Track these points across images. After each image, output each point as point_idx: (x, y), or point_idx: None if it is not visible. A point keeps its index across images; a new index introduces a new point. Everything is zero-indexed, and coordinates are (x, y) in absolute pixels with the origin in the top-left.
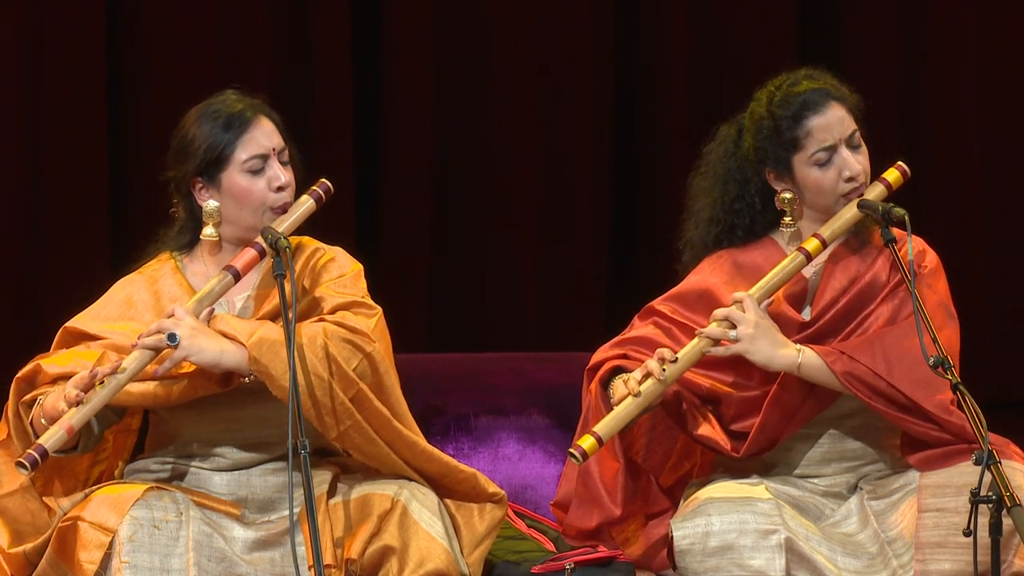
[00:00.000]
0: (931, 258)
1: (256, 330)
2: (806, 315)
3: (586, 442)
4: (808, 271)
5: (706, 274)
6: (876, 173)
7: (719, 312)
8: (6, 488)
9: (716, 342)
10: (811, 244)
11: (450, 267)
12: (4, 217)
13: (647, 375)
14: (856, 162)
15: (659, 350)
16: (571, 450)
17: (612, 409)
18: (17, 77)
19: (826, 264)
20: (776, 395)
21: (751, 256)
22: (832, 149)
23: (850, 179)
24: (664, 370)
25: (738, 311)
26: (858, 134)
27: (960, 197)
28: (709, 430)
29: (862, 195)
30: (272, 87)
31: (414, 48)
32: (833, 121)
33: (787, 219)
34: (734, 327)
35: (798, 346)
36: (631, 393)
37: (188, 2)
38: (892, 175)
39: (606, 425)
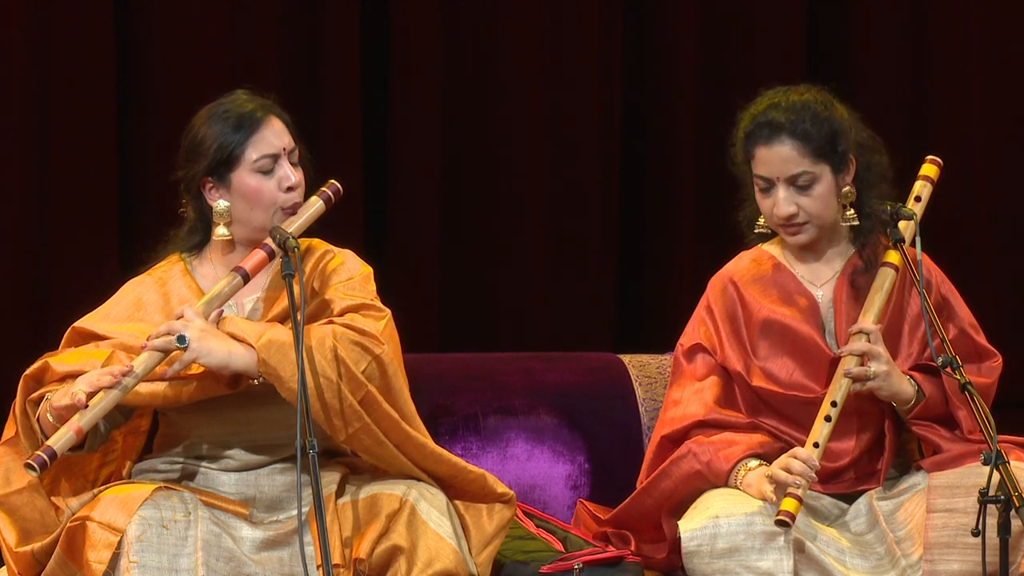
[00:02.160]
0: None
1: (265, 332)
2: (831, 344)
3: (791, 505)
4: (817, 291)
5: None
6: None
7: (857, 347)
8: (14, 485)
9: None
10: (894, 256)
11: (459, 267)
12: (13, 217)
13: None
14: (789, 204)
15: (805, 455)
16: (780, 518)
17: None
18: (25, 76)
19: (835, 288)
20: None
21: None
22: (770, 182)
23: (779, 217)
24: (816, 465)
25: (874, 346)
26: (809, 175)
27: (969, 202)
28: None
29: (796, 233)
30: (280, 88)
31: (423, 49)
32: (775, 159)
33: (761, 220)
34: (864, 362)
35: (910, 379)
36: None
37: (197, 2)
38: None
39: (802, 488)
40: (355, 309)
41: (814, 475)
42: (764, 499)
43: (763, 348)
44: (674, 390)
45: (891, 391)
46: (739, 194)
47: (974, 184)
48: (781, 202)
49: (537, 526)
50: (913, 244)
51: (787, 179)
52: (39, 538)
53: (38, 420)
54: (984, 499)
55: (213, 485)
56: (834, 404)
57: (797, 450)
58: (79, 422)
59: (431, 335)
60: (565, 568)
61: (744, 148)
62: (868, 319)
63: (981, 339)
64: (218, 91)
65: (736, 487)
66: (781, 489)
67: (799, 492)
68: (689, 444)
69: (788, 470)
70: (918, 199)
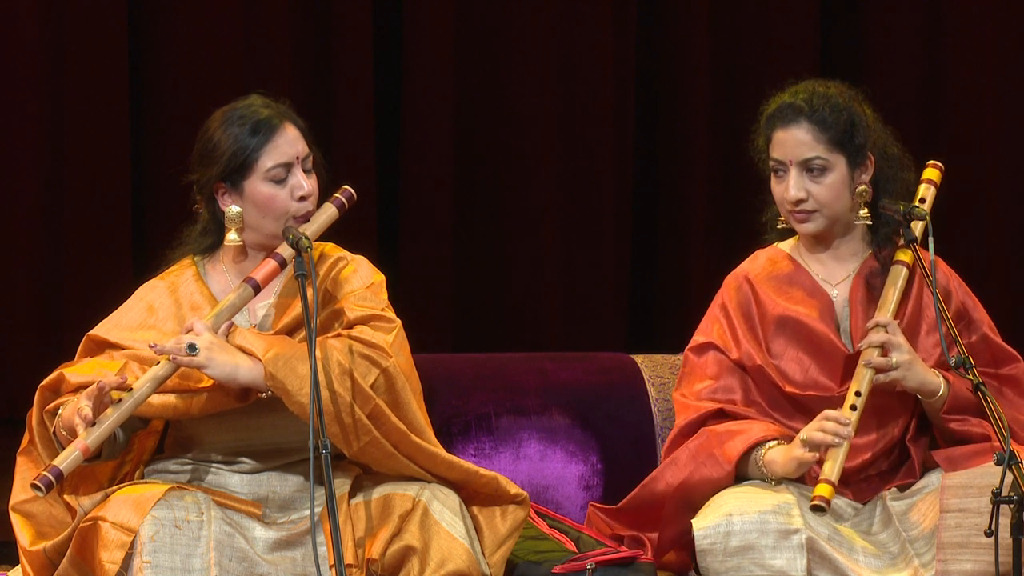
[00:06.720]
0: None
1: (273, 346)
2: (847, 344)
3: (825, 490)
4: (832, 290)
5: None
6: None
7: (876, 338)
8: (30, 494)
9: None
10: (907, 255)
11: (473, 268)
12: (27, 224)
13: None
14: (800, 189)
15: (835, 414)
16: (816, 503)
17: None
18: (39, 81)
19: (851, 289)
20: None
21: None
22: (783, 165)
23: (788, 202)
24: (848, 421)
25: (893, 337)
26: (822, 161)
27: (981, 203)
28: None
29: (804, 221)
30: (294, 92)
31: (435, 51)
32: (789, 140)
33: (781, 217)
34: (885, 353)
35: (936, 371)
36: (832, 445)
37: (211, 5)
38: (932, 174)
39: (834, 472)
40: (365, 321)
41: (850, 432)
42: (798, 465)
43: (777, 345)
44: (684, 386)
45: (917, 381)
46: (764, 196)
47: (987, 181)
48: (791, 186)
49: (550, 526)
50: (925, 245)
51: (800, 163)
52: (53, 537)
53: (54, 432)
54: (997, 500)
55: (226, 485)
56: (858, 394)
57: (827, 411)
58: (86, 440)
59: (444, 336)
60: (578, 568)
61: (764, 132)
62: (884, 314)
63: (1000, 342)
64: (231, 93)
65: (758, 468)
66: (816, 450)
67: (840, 451)
68: (704, 429)
69: (821, 431)
70: (922, 201)
